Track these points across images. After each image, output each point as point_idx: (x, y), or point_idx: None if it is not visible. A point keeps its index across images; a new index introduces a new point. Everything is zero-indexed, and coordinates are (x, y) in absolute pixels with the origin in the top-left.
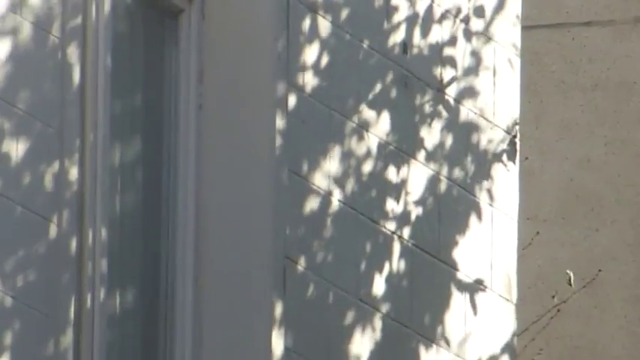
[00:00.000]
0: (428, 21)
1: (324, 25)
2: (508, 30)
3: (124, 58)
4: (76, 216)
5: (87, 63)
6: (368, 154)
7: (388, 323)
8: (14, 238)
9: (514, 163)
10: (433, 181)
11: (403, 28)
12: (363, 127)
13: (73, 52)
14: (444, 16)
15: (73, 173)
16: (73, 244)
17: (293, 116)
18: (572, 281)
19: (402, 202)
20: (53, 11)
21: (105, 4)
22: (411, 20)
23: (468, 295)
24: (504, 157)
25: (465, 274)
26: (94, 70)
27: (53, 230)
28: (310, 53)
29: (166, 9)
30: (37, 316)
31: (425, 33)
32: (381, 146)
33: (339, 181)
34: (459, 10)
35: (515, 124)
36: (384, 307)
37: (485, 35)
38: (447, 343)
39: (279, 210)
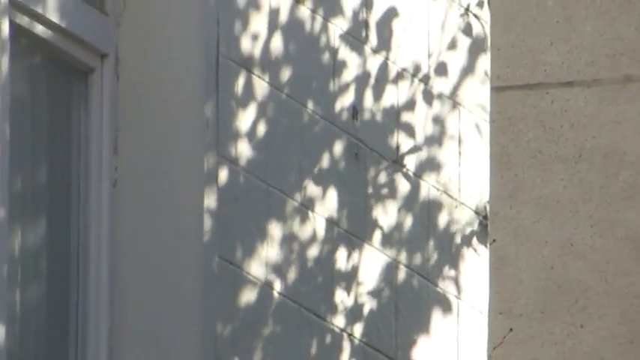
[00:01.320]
0: (382, 81)
1: (261, 86)
2: (476, 91)
3: (25, 126)
4: None
5: None
6: (313, 237)
7: None
8: None
9: (485, 247)
10: (389, 269)
11: (352, 89)
12: (307, 205)
13: None
14: (400, 76)
15: None
16: None
17: (224, 193)
18: None
19: (352, 293)
20: None
21: (1, 64)
22: (362, 80)
23: None
24: (473, 241)
25: None
26: None
27: None
28: (244, 119)
29: (74, 68)
30: None
31: (378, 95)
32: (328, 228)
33: (279, 270)
34: (417, 69)
35: (486, 202)
36: None
37: (449, 98)
38: None
39: (207, 305)
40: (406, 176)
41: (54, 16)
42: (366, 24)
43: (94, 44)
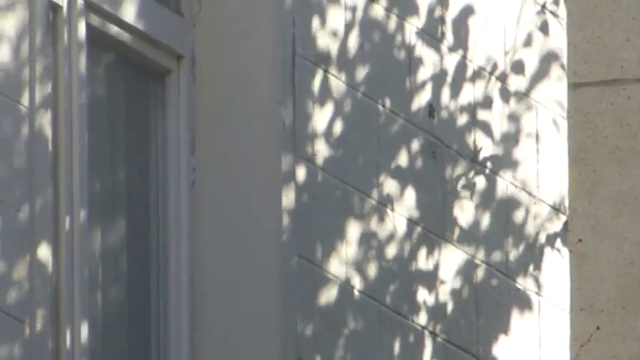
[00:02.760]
0: (458, 79)
1: (337, 86)
2: (552, 88)
3: (103, 128)
4: (51, 314)
5: (59, 135)
6: (391, 235)
7: None
8: None
9: (564, 244)
10: (469, 267)
11: (429, 87)
12: (385, 204)
13: (43, 124)
14: (477, 74)
15: (48, 264)
16: (49, 347)
17: (302, 192)
18: None
19: (433, 291)
20: (19, 77)
21: (79, 66)
22: (439, 78)
23: None
24: (553, 238)
25: None
26: (67, 143)
27: (27, 332)
28: (321, 119)
29: (151, 69)
30: None
31: (455, 93)
32: (407, 226)
33: (359, 268)
34: (494, 66)
35: (564, 198)
36: None
37: (526, 95)
38: None
39: (287, 303)
40: (483, 174)
41: (130, 18)
42: (442, 22)
43: (170, 46)
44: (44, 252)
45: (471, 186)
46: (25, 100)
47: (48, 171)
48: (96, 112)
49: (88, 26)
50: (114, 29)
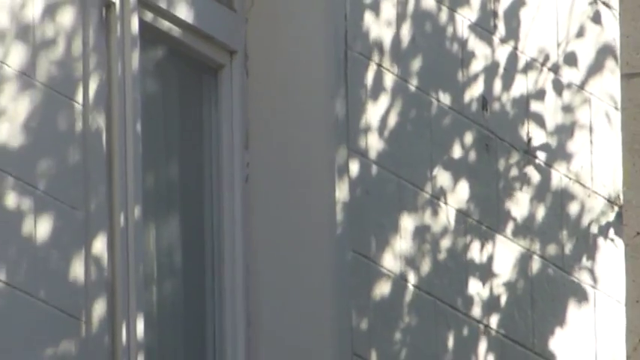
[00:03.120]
0: (511, 71)
1: (390, 79)
2: (606, 79)
3: (157, 123)
4: (107, 311)
5: (113, 131)
6: (445, 229)
7: None
8: (37, 338)
9: (620, 237)
10: (524, 260)
11: (482, 80)
12: (439, 197)
13: (96, 120)
14: (529, 65)
15: (103, 260)
16: (105, 344)
17: (356, 187)
18: None
19: (487, 285)
20: (73, 73)
21: (132, 62)
22: (491, 71)
23: None
24: (608, 230)
25: None
26: (121, 139)
27: (83, 329)
28: (374, 112)
29: (204, 65)
30: None
31: (507, 85)
32: (461, 219)
33: (413, 263)
34: (546, 58)
35: (619, 190)
36: None
37: (579, 86)
38: None
39: (342, 298)
40: (537, 166)
41: (182, 14)
42: (494, 14)
43: (222, 41)
44: (99, 249)
45: (524, 178)
46: (79, 96)
47: (102, 168)
48: (149, 108)
49: (141, 22)
50: (166, 25)
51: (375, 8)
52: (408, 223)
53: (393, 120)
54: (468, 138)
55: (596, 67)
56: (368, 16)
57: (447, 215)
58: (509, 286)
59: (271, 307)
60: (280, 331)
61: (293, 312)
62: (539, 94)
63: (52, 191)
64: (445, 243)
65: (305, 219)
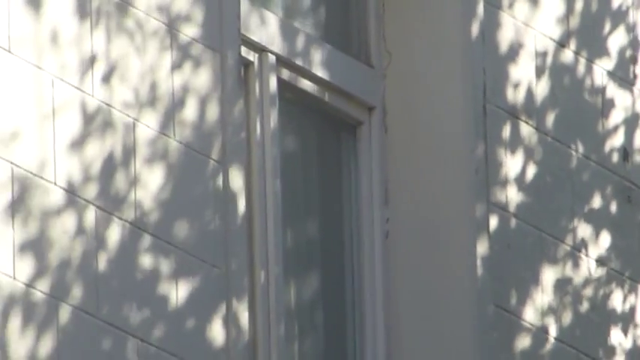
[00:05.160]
0: None
1: (528, 132)
2: None
3: (296, 181)
4: None
5: (253, 189)
6: (586, 280)
7: None
8: None
9: None
10: None
11: (622, 130)
12: (579, 249)
13: (235, 178)
14: None
15: (244, 318)
16: None
17: (496, 240)
18: None
19: (630, 335)
20: (211, 132)
21: (270, 119)
22: (632, 121)
23: None
24: None
25: None
26: (261, 197)
27: None
28: (513, 165)
29: (342, 121)
30: None
31: None
32: (602, 271)
33: (554, 315)
34: None
35: None
36: None
37: None
38: None
39: (484, 352)
40: None
41: (320, 71)
42: (633, 62)
43: (361, 97)
44: (240, 307)
45: None
46: (218, 155)
47: (242, 226)
48: (288, 166)
49: (279, 80)
50: (304, 83)
51: (513, 61)
52: (548, 275)
53: (532, 172)
54: (610, 189)
55: None
56: (506, 70)
57: (587, 266)
58: None
59: None
60: None
61: None
62: None
63: (192, 250)
64: (586, 294)
65: (446, 273)
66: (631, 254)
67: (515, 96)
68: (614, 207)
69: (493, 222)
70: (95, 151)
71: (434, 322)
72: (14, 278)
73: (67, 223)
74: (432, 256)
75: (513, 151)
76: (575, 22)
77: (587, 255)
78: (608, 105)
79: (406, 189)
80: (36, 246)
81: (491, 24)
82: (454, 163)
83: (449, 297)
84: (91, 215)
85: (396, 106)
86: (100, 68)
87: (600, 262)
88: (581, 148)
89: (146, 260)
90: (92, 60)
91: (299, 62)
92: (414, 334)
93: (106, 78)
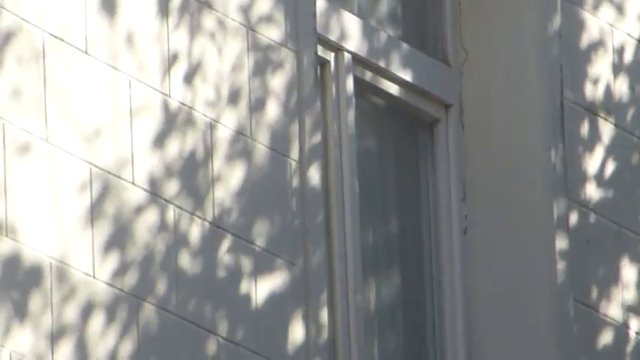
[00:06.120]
0: None
1: (607, 128)
2: None
3: (374, 179)
4: None
5: (330, 188)
6: None
7: None
8: None
9: None
10: None
11: None
12: None
13: (313, 177)
14: None
15: (323, 316)
16: None
17: (576, 236)
18: None
19: None
20: (289, 131)
21: (347, 118)
22: None
23: None
24: None
25: None
26: (339, 195)
27: None
28: (592, 162)
29: (419, 120)
30: None
31: None
32: None
33: (636, 310)
34: None
35: None
36: None
37: None
38: None
39: (564, 348)
40: None
41: (396, 70)
42: None
43: (437, 95)
44: (319, 304)
45: None
46: (295, 154)
47: (320, 223)
48: (366, 163)
49: (356, 79)
50: (381, 81)
51: (591, 58)
52: (629, 270)
53: (611, 168)
54: None
55: None
56: (583, 66)
57: None
58: None
59: (494, 357)
60: None
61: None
62: None
63: (272, 248)
64: None
65: (525, 269)
66: None
67: (594, 92)
68: None
69: (572, 218)
70: (174, 151)
71: (513, 317)
72: (94, 277)
73: (146, 222)
74: (511, 252)
75: (592, 147)
76: None
77: None
78: None
79: (484, 185)
80: (116, 246)
81: (569, 20)
82: (532, 160)
83: (528, 292)
84: (170, 214)
85: (473, 104)
86: (178, 68)
87: None
88: None
89: (226, 259)
90: (170, 60)
91: (375, 61)
92: (494, 330)
93: (186, 78)
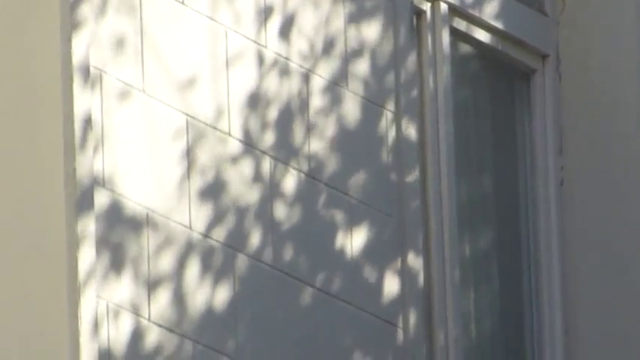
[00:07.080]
0: None
1: None
2: None
3: (469, 129)
4: (423, 317)
5: (426, 139)
6: None
7: None
8: (357, 345)
9: None
10: None
11: None
12: None
13: (409, 129)
14: None
15: (418, 267)
16: (423, 350)
17: None
18: None
19: None
20: (384, 82)
21: (443, 69)
22: None
23: None
24: None
25: None
26: (434, 146)
27: (400, 335)
28: None
29: (516, 70)
30: None
31: None
32: None
33: None
34: None
35: None
36: None
37: None
38: None
39: None
40: None
41: (493, 20)
42: None
43: (534, 45)
44: (415, 255)
45: None
46: (391, 105)
47: (416, 175)
48: (462, 115)
49: (452, 29)
50: (477, 31)
51: None
52: None
53: None
54: None
55: None
56: None
57: None
58: None
59: (590, 314)
60: (599, 339)
61: (612, 320)
62: None
63: (367, 200)
64: None
65: (623, 220)
66: None
67: None
68: None
69: None
70: (269, 102)
71: (612, 270)
72: (190, 228)
73: (242, 173)
74: (608, 203)
75: None
76: None
77: None
78: None
79: (581, 136)
80: (212, 196)
81: None
82: (629, 110)
83: (627, 246)
84: (266, 165)
85: (570, 54)
86: (274, 19)
87: None
88: None
89: (321, 210)
90: (267, 11)
91: (471, 11)
92: (591, 284)
93: (281, 29)
